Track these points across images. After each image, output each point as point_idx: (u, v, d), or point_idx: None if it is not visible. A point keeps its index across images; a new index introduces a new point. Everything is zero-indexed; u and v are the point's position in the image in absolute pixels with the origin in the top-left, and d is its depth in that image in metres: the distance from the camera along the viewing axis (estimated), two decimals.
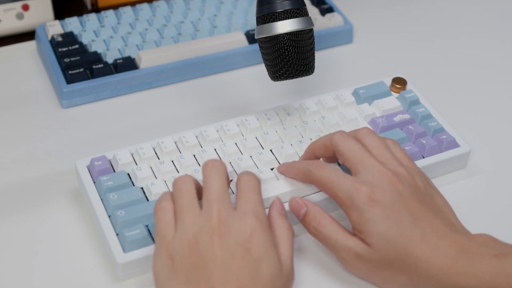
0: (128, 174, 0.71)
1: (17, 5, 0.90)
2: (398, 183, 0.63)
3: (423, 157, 0.74)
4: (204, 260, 0.57)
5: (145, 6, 0.91)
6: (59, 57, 0.84)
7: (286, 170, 0.69)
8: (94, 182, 0.70)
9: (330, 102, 0.78)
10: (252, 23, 0.90)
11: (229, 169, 0.71)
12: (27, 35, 0.92)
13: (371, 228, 0.61)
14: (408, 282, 0.62)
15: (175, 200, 0.61)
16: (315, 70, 0.70)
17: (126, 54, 0.85)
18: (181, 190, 0.61)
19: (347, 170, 0.69)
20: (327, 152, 0.68)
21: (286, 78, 0.69)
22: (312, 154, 0.70)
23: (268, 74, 0.70)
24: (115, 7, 0.96)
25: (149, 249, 0.64)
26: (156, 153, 0.72)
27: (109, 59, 0.84)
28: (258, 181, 0.63)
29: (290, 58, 0.68)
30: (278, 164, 0.72)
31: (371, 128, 0.76)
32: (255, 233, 0.58)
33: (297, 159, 0.72)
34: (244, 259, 0.57)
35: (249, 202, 0.61)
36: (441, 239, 0.61)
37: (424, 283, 0.61)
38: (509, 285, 0.59)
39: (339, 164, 0.72)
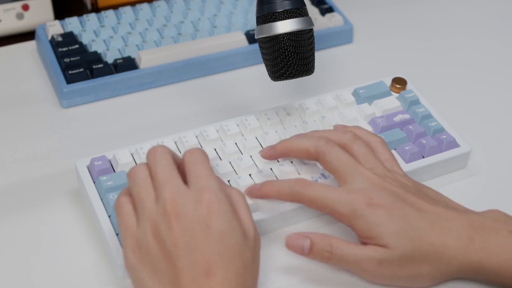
0: None
1: (17, 5, 0.90)
2: (390, 185, 0.64)
3: (423, 157, 0.74)
4: (167, 247, 0.56)
5: (145, 6, 0.91)
6: (59, 57, 0.84)
7: (263, 193, 0.66)
8: (94, 182, 0.70)
9: (330, 102, 0.78)
10: (252, 23, 0.90)
11: (229, 169, 0.71)
12: (27, 35, 0.92)
13: (380, 230, 0.61)
14: (433, 271, 0.62)
15: (131, 192, 0.60)
16: (315, 70, 0.70)
17: (126, 54, 0.85)
18: (135, 180, 0.60)
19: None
20: (308, 157, 0.67)
21: (286, 78, 0.69)
22: (284, 155, 0.68)
23: (268, 74, 0.70)
24: (115, 7, 0.96)
25: None
26: None
27: (109, 59, 0.84)
28: (202, 153, 0.61)
29: (290, 58, 0.68)
30: (278, 163, 0.71)
31: (370, 128, 0.76)
32: (212, 207, 0.57)
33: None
34: (207, 236, 0.56)
35: (198, 176, 0.59)
36: (451, 222, 0.62)
37: (446, 267, 0.62)
38: None
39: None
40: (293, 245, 0.63)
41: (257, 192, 0.66)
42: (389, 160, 0.68)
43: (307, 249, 0.62)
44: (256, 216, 0.67)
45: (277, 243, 0.68)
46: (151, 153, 0.61)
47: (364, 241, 0.62)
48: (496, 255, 0.61)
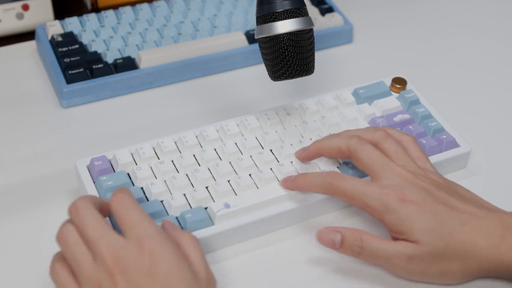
0: (128, 174, 0.71)
1: (17, 5, 0.90)
2: (421, 182, 0.64)
3: None
4: None
5: (145, 6, 0.91)
6: (59, 57, 0.84)
7: (297, 185, 0.68)
8: (94, 182, 0.70)
9: (330, 102, 0.78)
10: (252, 23, 0.90)
11: (229, 169, 0.71)
12: (27, 35, 0.92)
13: (411, 225, 0.62)
14: (463, 268, 0.62)
15: (65, 256, 0.58)
16: (315, 70, 0.70)
17: (126, 54, 0.85)
18: (67, 243, 0.57)
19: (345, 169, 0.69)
20: (340, 156, 0.68)
21: (286, 78, 0.69)
22: (317, 154, 0.70)
23: (268, 74, 0.70)
24: (115, 7, 0.96)
25: None
26: (156, 153, 0.72)
27: (109, 59, 0.84)
28: (127, 195, 0.59)
29: (290, 58, 0.68)
30: (277, 163, 0.71)
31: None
32: (155, 254, 0.55)
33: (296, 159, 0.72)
34: (153, 286, 0.54)
35: (133, 224, 0.57)
36: (482, 220, 0.62)
37: (476, 265, 0.62)
38: None
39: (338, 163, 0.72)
40: (324, 239, 0.64)
41: (291, 183, 0.68)
42: (421, 158, 0.68)
43: (338, 243, 0.63)
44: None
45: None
46: (73, 211, 0.58)
47: (395, 236, 0.63)
48: None
